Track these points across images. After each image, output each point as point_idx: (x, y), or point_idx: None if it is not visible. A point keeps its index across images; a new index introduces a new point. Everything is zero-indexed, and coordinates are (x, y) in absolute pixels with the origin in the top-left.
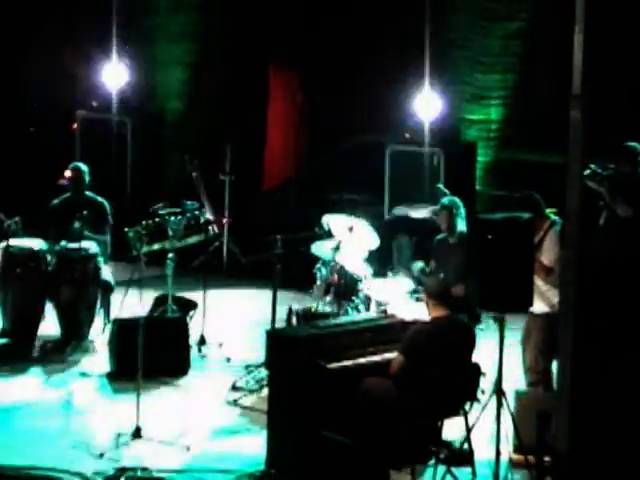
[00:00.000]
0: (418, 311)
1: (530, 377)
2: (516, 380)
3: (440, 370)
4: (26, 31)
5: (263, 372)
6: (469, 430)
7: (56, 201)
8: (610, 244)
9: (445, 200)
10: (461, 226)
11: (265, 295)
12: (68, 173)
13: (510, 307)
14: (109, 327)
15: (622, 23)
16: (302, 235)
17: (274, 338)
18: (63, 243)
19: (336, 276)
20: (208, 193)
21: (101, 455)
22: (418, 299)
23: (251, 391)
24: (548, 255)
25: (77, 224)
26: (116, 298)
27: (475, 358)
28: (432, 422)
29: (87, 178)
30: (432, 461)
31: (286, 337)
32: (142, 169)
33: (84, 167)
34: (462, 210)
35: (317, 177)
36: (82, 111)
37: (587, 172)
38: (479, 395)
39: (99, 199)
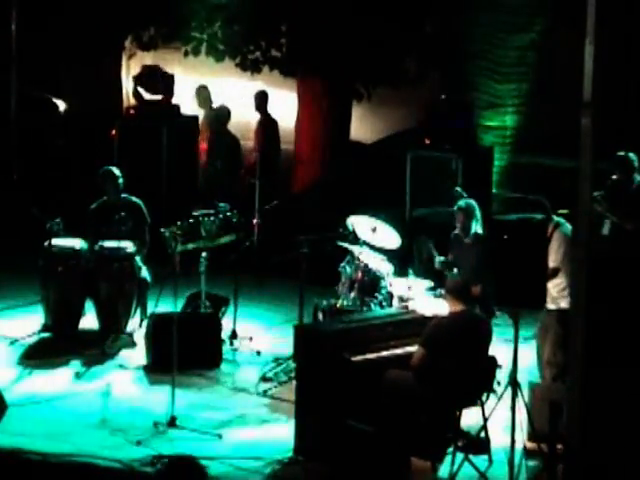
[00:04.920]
0: (437, 307)
1: (550, 371)
2: (530, 372)
3: (458, 361)
4: (70, 39)
5: (291, 364)
6: (486, 419)
7: (94, 205)
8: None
9: (461, 202)
10: (475, 227)
11: (293, 292)
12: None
13: (524, 304)
14: (145, 322)
15: (631, 33)
16: (327, 235)
17: (301, 332)
18: (102, 243)
19: (360, 274)
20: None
21: (138, 443)
22: (437, 295)
23: (280, 382)
24: (553, 256)
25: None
26: (152, 294)
27: (491, 351)
28: (451, 411)
29: (120, 180)
30: (451, 449)
31: (313, 331)
32: (177, 173)
33: (116, 170)
34: (477, 212)
35: (342, 181)
36: (121, 118)
37: None
38: (495, 386)
39: (135, 200)
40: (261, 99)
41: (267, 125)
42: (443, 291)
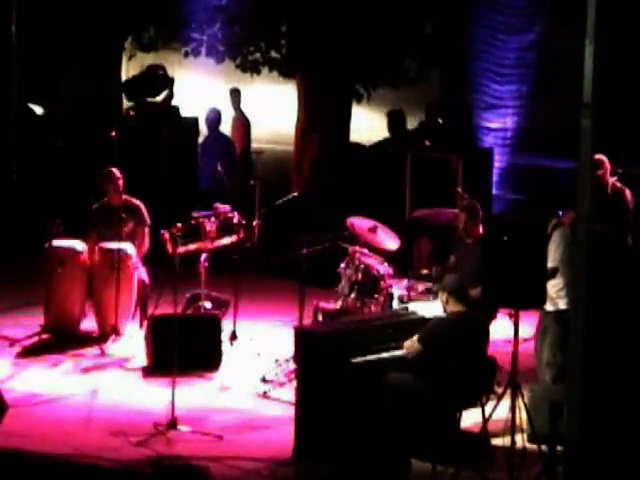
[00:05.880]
0: (437, 308)
1: (550, 372)
2: (530, 373)
3: (456, 361)
4: (69, 39)
5: (291, 366)
6: (486, 420)
7: (95, 205)
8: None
9: (464, 203)
10: (479, 229)
11: (292, 293)
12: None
13: (524, 304)
14: (146, 323)
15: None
16: (327, 236)
17: (301, 333)
18: (102, 244)
19: (360, 275)
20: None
21: (139, 444)
22: (435, 297)
23: (280, 384)
24: (552, 256)
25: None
26: (152, 296)
27: (491, 352)
28: (451, 412)
29: (121, 182)
30: (451, 450)
31: (313, 333)
32: (177, 174)
33: (117, 172)
34: (480, 213)
35: (342, 182)
36: (121, 119)
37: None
38: (495, 387)
39: (135, 201)
40: (236, 96)
41: (244, 122)
42: (441, 292)
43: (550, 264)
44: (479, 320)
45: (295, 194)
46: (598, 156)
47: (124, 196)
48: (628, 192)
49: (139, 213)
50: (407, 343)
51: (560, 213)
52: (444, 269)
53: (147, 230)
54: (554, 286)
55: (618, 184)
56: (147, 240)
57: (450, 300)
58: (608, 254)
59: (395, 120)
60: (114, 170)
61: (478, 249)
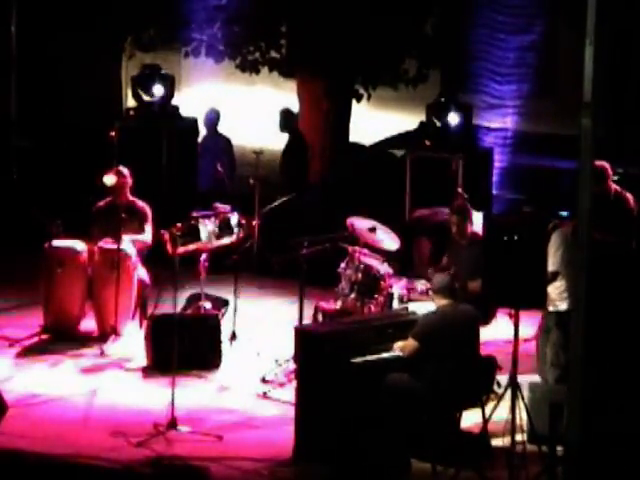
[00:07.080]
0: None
1: (554, 373)
2: (530, 373)
3: (452, 351)
4: (69, 40)
5: (291, 366)
6: (486, 420)
7: (100, 203)
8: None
9: (454, 205)
10: (471, 228)
11: (292, 293)
12: (110, 178)
13: (524, 304)
14: (145, 324)
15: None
16: (327, 236)
17: (301, 333)
18: (102, 244)
19: (359, 275)
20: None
21: (139, 444)
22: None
23: (280, 384)
24: (552, 259)
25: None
26: (152, 296)
27: (490, 352)
28: (450, 412)
29: (129, 182)
30: (451, 450)
31: (313, 333)
32: (176, 174)
33: (126, 171)
34: (470, 212)
35: (342, 182)
36: (120, 119)
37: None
38: (495, 387)
39: (140, 203)
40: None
41: None
42: (431, 290)
43: (550, 268)
44: (468, 310)
45: (295, 194)
46: (600, 164)
47: (131, 197)
48: (630, 197)
49: (143, 215)
50: (398, 344)
51: (564, 214)
52: (435, 269)
53: (149, 228)
54: (556, 288)
55: (619, 189)
56: (150, 241)
57: (436, 297)
58: (609, 259)
59: (286, 119)
60: (122, 168)
61: (472, 249)
